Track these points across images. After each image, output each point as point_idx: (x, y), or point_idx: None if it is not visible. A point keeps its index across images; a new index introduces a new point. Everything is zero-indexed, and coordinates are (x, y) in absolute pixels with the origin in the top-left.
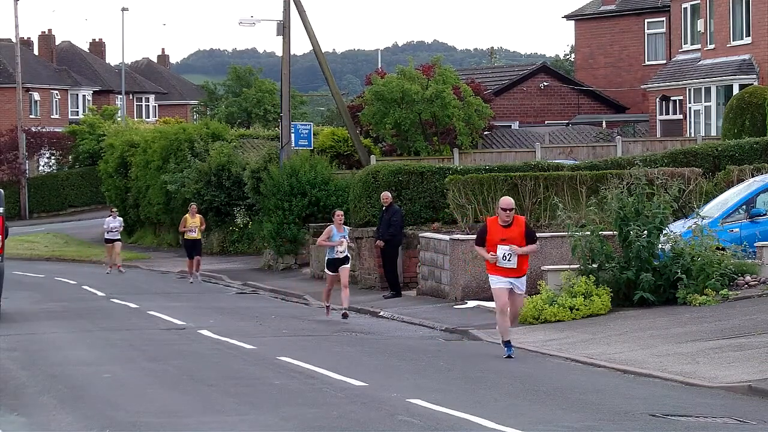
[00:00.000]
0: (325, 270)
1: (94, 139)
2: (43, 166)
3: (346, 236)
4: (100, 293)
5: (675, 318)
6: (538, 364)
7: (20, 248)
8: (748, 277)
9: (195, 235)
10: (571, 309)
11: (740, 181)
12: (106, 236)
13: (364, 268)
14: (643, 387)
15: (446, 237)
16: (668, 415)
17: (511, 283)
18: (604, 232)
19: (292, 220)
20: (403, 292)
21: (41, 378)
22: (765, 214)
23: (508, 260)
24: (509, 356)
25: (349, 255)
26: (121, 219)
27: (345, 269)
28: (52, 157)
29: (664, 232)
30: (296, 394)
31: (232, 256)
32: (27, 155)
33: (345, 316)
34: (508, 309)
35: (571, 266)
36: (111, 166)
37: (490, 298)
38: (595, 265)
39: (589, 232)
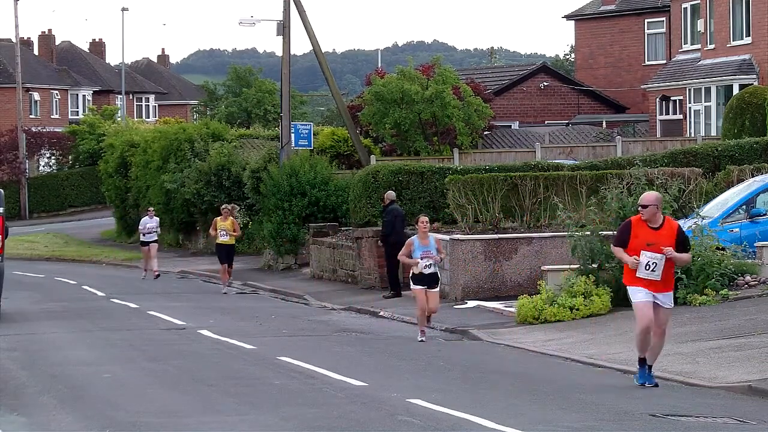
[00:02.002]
0: (411, 285)
1: (94, 139)
2: (43, 166)
3: (432, 249)
4: (100, 293)
5: (675, 318)
6: (538, 364)
7: (20, 248)
8: (748, 277)
9: (226, 239)
10: (571, 309)
11: (740, 181)
12: (142, 238)
13: (364, 268)
14: (643, 387)
15: (446, 237)
16: (668, 415)
17: (655, 297)
18: (604, 232)
19: (292, 220)
20: (403, 292)
21: (41, 378)
22: (765, 214)
23: (652, 270)
24: (643, 385)
25: (437, 272)
26: (158, 219)
27: (434, 294)
28: (52, 157)
29: None
30: (296, 394)
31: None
32: (27, 155)
33: (421, 339)
34: (652, 327)
35: (571, 266)
36: (111, 166)
37: (490, 298)
38: (595, 265)
39: (589, 232)
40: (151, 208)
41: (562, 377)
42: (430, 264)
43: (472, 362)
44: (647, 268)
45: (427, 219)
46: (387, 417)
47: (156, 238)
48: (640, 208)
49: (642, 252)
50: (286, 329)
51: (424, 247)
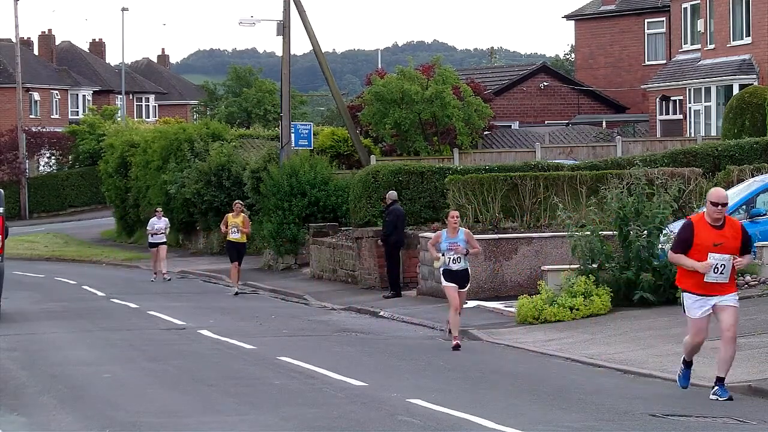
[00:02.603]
0: (442, 281)
1: (94, 139)
2: (43, 166)
3: (461, 242)
4: (100, 293)
5: (675, 318)
6: (538, 364)
7: (20, 248)
8: (748, 277)
9: (237, 237)
10: (571, 309)
11: (740, 181)
12: (150, 240)
13: (364, 268)
14: (643, 387)
15: None
16: (668, 415)
17: (721, 299)
18: (604, 232)
19: (292, 220)
20: (403, 292)
21: (41, 378)
22: (765, 214)
23: (720, 273)
24: (685, 387)
25: (468, 268)
26: (167, 220)
27: (462, 293)
28: (52, 157)
29: (664, 232)
30: (296, 394)
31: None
32: (27, 155)
33: (457, 347)
34: (703, 340)
35: (571, 266)
36: (111, 166)
37: (490, 298)
38: (595, 265)
39: (589, 232)
40: (159, 209)
41: (562, 377)
42: (458, 258)
43: (472, 362)
44: (716, 270)
45: (457, 213)
46: (387, 417)
47: (165, 239)
48: (712, 207)
49: (710, 254)
50: (286, 329)
51: (451, 239)
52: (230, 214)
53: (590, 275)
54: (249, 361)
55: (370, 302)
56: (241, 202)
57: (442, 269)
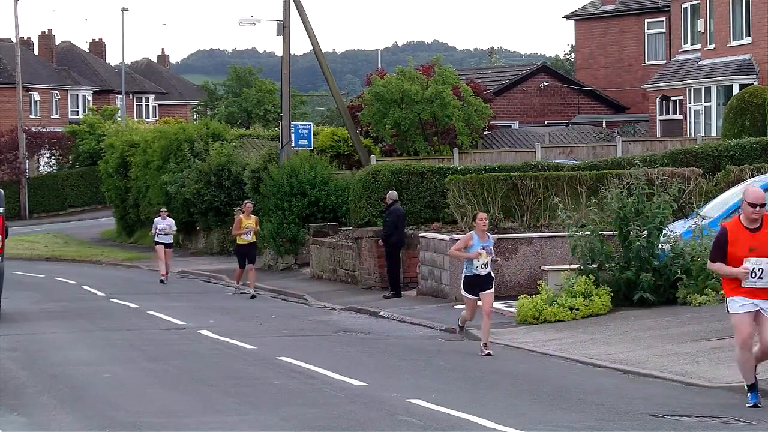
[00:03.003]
0: (462, 291)
1: (94, 139)
2: (44, 166)
3: (491, 246)
4: (100, 293)
5: (675, 318)
6: (538, 364)
7: (20, 248)
8: None
9: (250, 238)
10: (571, 309)
11: (740, 181)
12: (156, 239)
13: (364, 268)
14: (643, 387)
15: (446, 237)
16: (668, 415)
17: (757, 305)
18: (604, 232)
19: (292, 220)
20: (403, 292)
21: (41, 378)
22: None
23: (759, 277)
24: (755, 405)
25: (492, 273)
26: (173, 221)
27: (489, 295)
28: (52, 157)
29: (664, 232)
30: (296, 394)
31: (232, 256)
32: (27, 155)
33: (486, 352)
34: (752, 342)
35: (571, 266)
36: (111, 166)
37: None
38: (595, 265)
39: (589, 232)
40: (164, 209)
41: (562, 377)
42: (487, 263)
43: (472, 362)
44: (753, 275)
45: (486, 216)
46: (387, 417)
47: (170, 240)
48: (749, 208)
49: (745, 259)
50: (286, 329)
51: (483, 242)
52: (242, 216)
53: (590, 275)
54: (249, 361)
55: (370, 302)
56: (251, 202)
57: (464, 275)
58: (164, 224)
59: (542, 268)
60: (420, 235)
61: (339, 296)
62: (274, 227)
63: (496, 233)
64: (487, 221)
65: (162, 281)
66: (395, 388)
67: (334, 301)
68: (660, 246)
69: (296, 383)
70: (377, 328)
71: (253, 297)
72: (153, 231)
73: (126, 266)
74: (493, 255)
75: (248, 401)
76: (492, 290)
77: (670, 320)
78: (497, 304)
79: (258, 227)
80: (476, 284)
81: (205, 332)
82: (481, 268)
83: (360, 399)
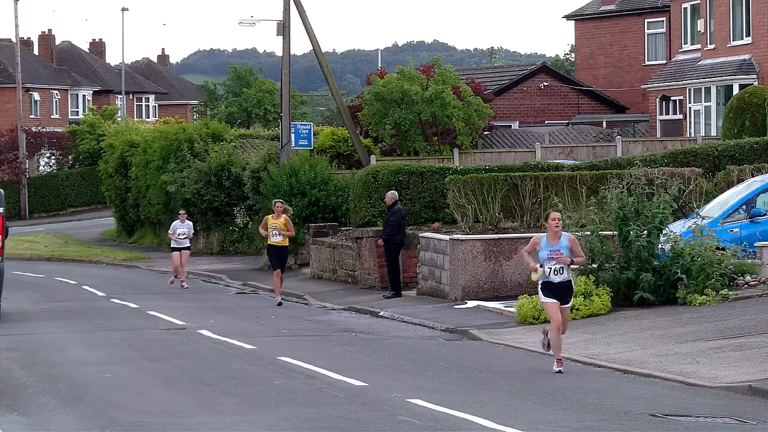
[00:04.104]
0: (540, 296)
1: (94, 139)
2: (44, 166)
3: (564, 249)
4: (100, 293)
5: (675, 318)
6: (539, 364)
7: (20, 248)
8: (748, 277)
9: (279, 240)
10: (571, 309)
11: (740, 181)
12: (173, 244)
13: (364, 268)
14: (643, 387)
15: (446, 237)
16: (668, 415)
17: None
18: (604, 232)
19: (292, 220)
20: (403, 292)
21: (41, 378)
22: (765, 214)
23: None
24: None
25: (571, 280)
26: (191, 223)
27: (564, 311)
28: (52, 157)
29: (664, 232)
30: (296, 394)
31: (232, 256)
32: (27, 155)
33: (560, 371)
34: None
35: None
36: (111, 166)
37: (490, 298)
38: (595, 265)
39: (589, 232)
40: (182, 211)
41: (562, 377)
42: (561, 268)
43: (472, 362)
44: None
45: (559, 215)
46: (387, 417)
47: (189, 244)
48: None
49: None
50: (286, 329)
51: (552, 246)
52: (269, 216)
53: (590, 275)
54: (249, 361)
55: (370, 302)
56: (282, 201)
57: (540, 282)
58: (184, 228)
59: None
60: (420, 235)
61: (339, 296)
62: None
63: (496, 233)
64: (561, 222)
65: (172, 282)
66: (395, 388)
67: (334, 301)
68: (660, 246)
69: (296, 383)
70: (377, 328)
71: (279, 304)
72: (172, 235)
73: (126, 266)
74: (566, 257)
75: (248, 401)
76: (569, 304)
77: (670, 320)
78: (497, 304)
79: (292, 231)
80: (553, 291)
81: (205, 332)
82: (553, 274)
83: (360, 399)
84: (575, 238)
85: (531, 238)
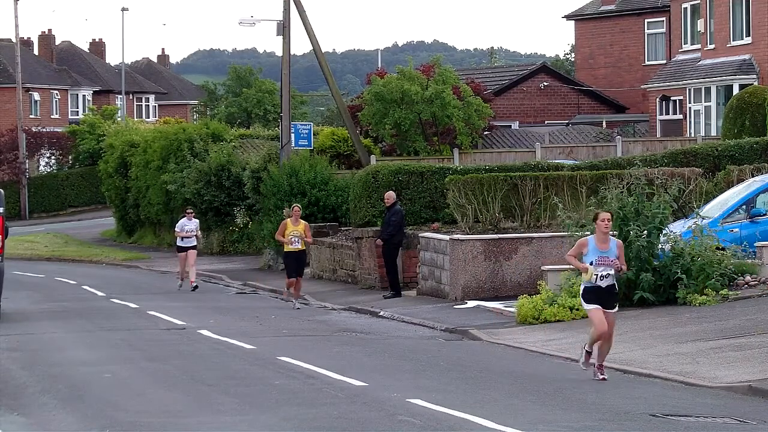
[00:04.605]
0: (582, 303)
1: (94, 139)
2: (44, 166)
3: (612, 255)
4: (100, 293)
5: (675, 318)
6: (538, 364)
7: (20, 248)
8: (748, 277)
9: (298, 246)
10: (571, 309)
11: (740, 181)
12: (179, 243)
13: (364, 268)
14: (643, 387)
15: (446, 237)
16: (668, 415)
17: None
18: None
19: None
20: (403, 292)
21: (41, 378)
22: (765, 214)
23: None
24: None
25: (616, 285)
26: (198, 221)
27: (610, 317)
28: (52, 157)
29: (664, 232)
30: (296, 394)
31: (232, 256)
32: (27, 155)
33: (602, 374)
34: None
35: (571, 266)
36: (111, 166)
37: (490, 298)
38: None
39: (589, 232)
40: (190, 209)
41: (562, 377)
42: (608, 274)
43: (472, 362)
44: None
45: (609, 215)
46: (387, 417)
47: (195, 243)
48: None
49: None
50: (286, 329)
51: (602, 251)
52: (288, 221)
53: None
54: (249, 361)
55: (370, 302)
56: (299, 206)
57: (583, 285)
58: (191, 226)
59: (542, 268)
60: (420, 235)
61: (339, 296)
62: (274, 227)
63: (496, 233)
64: (610, 223)
65: (180, 287)
66: (395, 388)
67: (334, 301)
68: (660, 246)
69: (296, 383)
70: (377, 328)
71: (298, 308)
72: (179, 234)
73: (126, 266)
74: (615, 262)
75: (248, 401)
76: (615, 309)
77: (670, 320)
78: (497, 304)
79: (310, 237)
80: (599, 297)
81: (205, 332)
82: (600, 280)
83: (360, 399)
84: (622, 243)
85: (531, 237)
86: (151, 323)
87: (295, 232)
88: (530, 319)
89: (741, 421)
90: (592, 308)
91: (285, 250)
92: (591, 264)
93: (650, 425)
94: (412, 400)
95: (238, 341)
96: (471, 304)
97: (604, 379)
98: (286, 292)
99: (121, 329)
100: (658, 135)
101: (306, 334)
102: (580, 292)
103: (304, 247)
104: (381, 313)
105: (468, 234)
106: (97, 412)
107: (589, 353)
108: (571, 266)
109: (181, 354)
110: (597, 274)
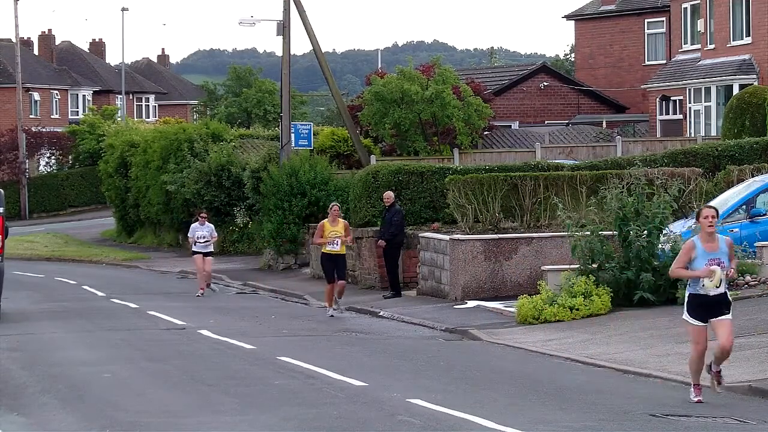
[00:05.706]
0: (685, 315)
1: (94, 139)
2: (44, 166)
3: (724, 257)
4: (100, 293)
5: (675, 318)
6: (538, 364)
7: (20, 248)
8: (748, 277)
9: (338, 248)
10: (571, 309)
11: (740, 181)
12: (194, 248)
13: (364, 268)
14: (643, 387)
15: (446, 237)
16: (668, 415)
17: None
18: (604, 232)
19: (292, 220)
20: (403, 292)
21: (41, 378)
22: (765, 214)
23: None
24: None
25: (727, 292)
26: (212, 226)
27: (725, 323)
28: (52, 157)
29: (664, 232)
30: (296, 394)
31: (232, 256)
32: (27, 155)
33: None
34: None
35: (571, 266)
36: (111, 166)
37: (490, 298)
38: (595, 265)
39: (589, 232)
40: (204, 213)
41: (562, 377)
42: (721, 280)
43: (472, 362)
44: None
45: (714, 212)
46: (387, 417)
47: (212, 248)
48: None
49: None
50: (286, 329)
51: (711, 253)
52: (326, 221)
53: (590, 275)
54: (249, 361)
55: (370, 302)
56: (338, 204)
57: (688, 293)
58: (204, 231)
59: (542, 268)
60: (420, 235)
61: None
62: (274, 227)
63: (496, 233)
64: (715, 219)
65: (200, 294)
66: (395, 388)
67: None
68: (660, 246)
69: (296, 383)
70: (377, 328)
71: (331, 316)
72: (191, 240)
73: (126, 266)
74: (727, 266)
75: (248, 401)
76: (729, 315)
77: (670, 320)
78: (497, 304)
79: (349, 237)
80: (705, 308)
81: (205, 332)
82: (714, 287)
83: (360, 399)
84: (731, 240)
85: (531, 237)
86: (151, 323)
87: (334, 232)
88: (530, 319)
89: (741, 421)
90: (695, 325)
91: (323, 251)
92: (703, 268)
93: (650, 425)
94: (412, 400)
95: (238, 341)
96: (471, 304)
97: (699, 401)
98: (328, 301)
99: (121, 329)
100: (658, 135)
101: (306, 334)
102: (685, 300)
103: (343, 250)
104: (381, 313)
105: (468, 234)
106: (97, 412)
107: (718, 372)
108: (571, 267)
109: (181, 354)
110: (722, 278)
